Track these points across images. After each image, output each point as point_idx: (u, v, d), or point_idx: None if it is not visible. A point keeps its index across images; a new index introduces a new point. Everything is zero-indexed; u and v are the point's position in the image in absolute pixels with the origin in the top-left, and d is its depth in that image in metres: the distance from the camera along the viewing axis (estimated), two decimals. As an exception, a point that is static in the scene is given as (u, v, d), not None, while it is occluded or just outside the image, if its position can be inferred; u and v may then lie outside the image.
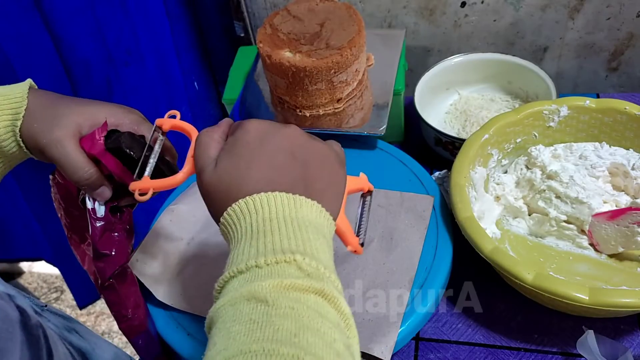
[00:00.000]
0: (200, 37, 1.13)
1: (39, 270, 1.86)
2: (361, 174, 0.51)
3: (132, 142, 0.50)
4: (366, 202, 0.51)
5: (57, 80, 0.95)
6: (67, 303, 1.75)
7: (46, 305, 0.48)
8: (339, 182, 0.44)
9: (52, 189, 0.55)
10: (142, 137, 0.52)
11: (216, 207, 0.40)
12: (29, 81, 0.51)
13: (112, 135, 0.50)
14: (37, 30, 0.89)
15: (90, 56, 0.98)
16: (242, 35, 1.03)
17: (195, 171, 0.44)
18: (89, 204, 0.52)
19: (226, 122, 0.45)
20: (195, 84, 1.16)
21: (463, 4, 0.92)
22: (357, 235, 0.48)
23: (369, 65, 0.79)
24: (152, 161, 0.49)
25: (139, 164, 0.49)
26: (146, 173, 0.48)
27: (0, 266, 1.86)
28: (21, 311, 0.38)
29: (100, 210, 0.52)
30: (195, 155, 0.43)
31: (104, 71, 1.01)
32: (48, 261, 1.48)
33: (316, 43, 0.71)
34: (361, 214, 0.50)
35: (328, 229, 0.40)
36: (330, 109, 0.75)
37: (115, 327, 1.57)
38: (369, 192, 0.51)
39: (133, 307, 0.57)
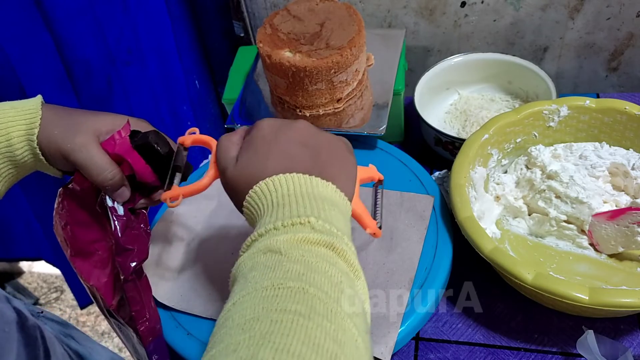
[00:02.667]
0: (200, 37, 1.13)
1: (39, 270, 1.86)
2: (370, 164, 0.55)
3: (158, 139, 0.53)
4: (379, 190, 0.55)
5: (58, 80, 0.95)
6: (67, 303, 1.75)
7: (42, 312, 0.49)
8: (350, 166, 0.48)
9: (58, 205, 0.56)
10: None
11: (240, 197, 0.44)
12: (39, 96, 0.54)
13: (137, 134, 0.53)
14: (38, 30, 0.89)
15: (91, 56, 0.97)
16: (242, 35, 1.03)
17: (218, 174, 0.48)
18: (109, 203, 0.54)
19: (242, 128, 0.50)
20: (197, 82, 1.16)
21: (463, 4, 0.92)
22: (375, 219, 0.51)
23: (369, 65, 0.79)
24: (179, 173, 0.54)
25: (168, 175, 0.53)
26: (175, 183, 0.53)
27: (0, 266, 1.86)
28: (18, 312, 0.38)
29: (120, 210, 0.55)
30: (217, 158, 0.48)
31: (105, 71, 1.01)
32: (48, 261, 1.48)
33: (316, 43, 0.71)
34: (375, 200, 0.55)
35: (344, 207, 0.43)
36: (330, 109, 0.75)
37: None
38: (380, 181, 0.55)
39: (150, 309, 0.58)
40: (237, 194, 0.45)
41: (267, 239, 0.38)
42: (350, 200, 0.45)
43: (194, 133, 0.54)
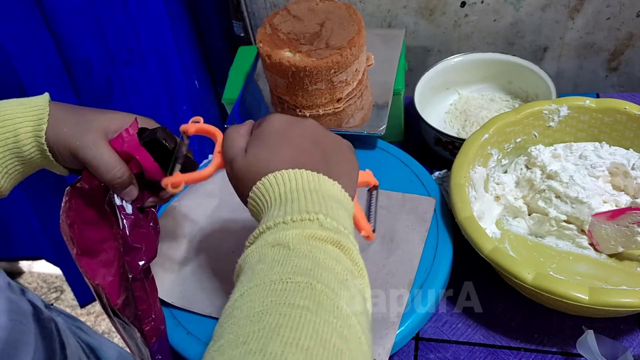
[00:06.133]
0: (200, 37, 1.13)
1: (39, 270, 1.86)
2: (367, 169, 0.55)
3: (166, 135, 0.53)
4: (373, 195, 0.56)
5: (58, 79, 0.95)
6: (67, 303, 1.75)
7: (52, 305, 0.49)
8: (353, 168, 0.48)
9: (65, 204, 0.56)
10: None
11: (246, 187, 0.44)
12: (47, 94, 0.54)
13: (145, 131, 0.54)
14: (38, 30, 0.89)
15: (90, 55, 0.98)
16: (242, 35, 1.03)
17: (222, 165, 0.49)
18: (118, 201, 0.54)
19: (249, 121, 0.50)
20: (196, 82, 1.16)
21: (463, 4, 0.92)
22: (369, 223, 0.52)
23: (369, 65, 0.79)
24: (180, 161, 0.54)
25: (171, 162, 0.53)
26: (177, 169, 0.53)
27: (0, 265, 1.86)
28: (33, 305, 0.39)
29: (128, 208, 0.54)
30: (224, 148, 0.48)
31: (105, 70, 1.01)
32: (48, 260, 1.48)
33: (316, 43, 0.71)
34: (369, 205, 0.56)
35: (348, 206, 0.44)
36: (330, 109, 0.75)
37: (115, 327, 1.57)
38: (375, 187, 0.56)
39: (156, 309, 0.58)
40: (243, 185, 0.45)
41: (276, 233, 0.39)
42: (352, 199, 0.46)
43: (198, 122, 0.54)
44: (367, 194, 0.57)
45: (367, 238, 0.50)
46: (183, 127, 0.54)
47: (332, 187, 0.43)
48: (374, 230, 0.51)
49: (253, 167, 0.44)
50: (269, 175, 0.42)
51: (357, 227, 0.50)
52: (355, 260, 0.39)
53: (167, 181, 0.51)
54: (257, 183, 0.43)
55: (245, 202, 0.45)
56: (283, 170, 0.42)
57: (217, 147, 0.51)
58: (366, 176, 0.54)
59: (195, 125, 0.54)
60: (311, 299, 0.33)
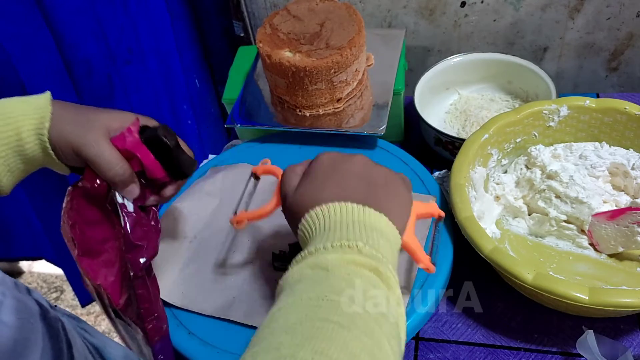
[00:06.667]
0: (200, 36, 1.13)
1: (39, 270, 1.86)
2: (431, 200, 0.56)
3: (166, 132, 0.54)
4: (438, 227, 0.58)
5: (59, 79, 0.95)
6: (67, 303, 1.75)
7: (56, 306, 0.49)
8: (404, 201, 0.50)
9: (66, 205, 0.56)
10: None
11: (296, 221, 0.47)
12: (48, 92, 0.54)
13: (146, 130, 0.54)
14: (39, 29, 0.89)
15: (91, 55, 0.98)
16: (242, 35, 1.03)
17: (280, 202, 0.52)
18: (119, 200, 0.54)
19: (306, 161, 0.53)
20: (197, 82, 1.16)
21: (463, 4, 0.92)
22: (428, 255, 0.52)
23: (369, 65, 0.79)
24: (248, 201, 0.60)
25: (238, 202, 0.59)
26: (242, 208, 0.58)
27: (0, 265, 1.86)
28: (40, 304, 0.39)
29: (130, 206, 0.55)
30: (281, 186, 0.52)
31: (106, 69, 1.01)
32: (49, 260, 1.48)
33: (316, 43, 0.71)
34: (434, 236, 0.57)
35: (393, 238, 0.46)
36: (330, 109, 0.75)
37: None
38: (440, 218, 0.56)
39: (158, 307, 0.58)
40: (293, 219, 0.48)
41: (316, 257, 0.41)
42: (402, 233, 0.47)
43: (266, 163, 0.59)
44: (433, 225, 0.58)
45: (426, 270, 0.51)
46: (254, 168, 0.60)
47: (377, 220, 0.45)
48: (434, 263, 0.52)
49: (301, 203, 0.47)
50: (316, 207, 0.45)
51: (414, 258, 0.51)
52: (392, 287, 0.41)
53: (233, 220, 0.56)
54: (305, 215, 0.46)
55: (296, 234, 0.48)
56: (329, 203, 0.45)
57: (277, 186, 0.54)
58: (429, 207, 0.54)
59: (263, 167, 0.59)
60: (345, 317, 0.35)
